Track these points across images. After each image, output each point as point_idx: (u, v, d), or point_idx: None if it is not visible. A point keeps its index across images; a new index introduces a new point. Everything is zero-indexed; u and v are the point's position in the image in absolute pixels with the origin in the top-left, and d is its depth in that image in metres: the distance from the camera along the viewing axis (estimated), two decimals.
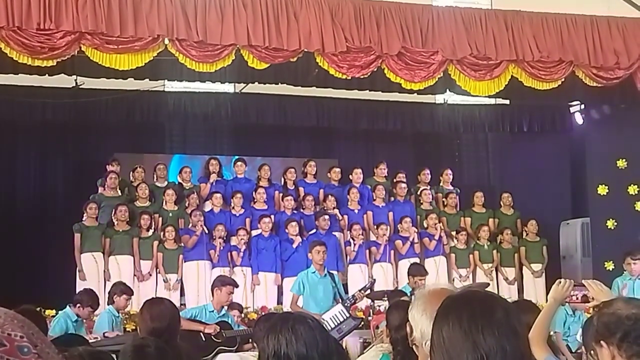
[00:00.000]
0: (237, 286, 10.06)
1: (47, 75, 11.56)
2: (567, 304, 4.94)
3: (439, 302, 2.54)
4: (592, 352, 3.42)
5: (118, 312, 9.93)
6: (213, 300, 9.55)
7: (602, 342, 3.33)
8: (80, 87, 13.19)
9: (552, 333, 5.49)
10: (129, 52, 10.84)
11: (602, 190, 14.18)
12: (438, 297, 2.83)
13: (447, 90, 13.51)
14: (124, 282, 10.74)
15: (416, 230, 13.54)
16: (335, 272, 11.41)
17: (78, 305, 9.38)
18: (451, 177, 15.13)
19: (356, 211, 13.91)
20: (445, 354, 2.22)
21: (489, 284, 12.75)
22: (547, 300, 4.50)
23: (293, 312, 9.01)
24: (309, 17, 11.47)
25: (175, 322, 4.99)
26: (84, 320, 9.71)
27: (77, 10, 10.40)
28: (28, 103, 13.61)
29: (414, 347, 3.18)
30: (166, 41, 11.04)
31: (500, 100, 15.51)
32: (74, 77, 12.71)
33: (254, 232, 13.19)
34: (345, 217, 13.81)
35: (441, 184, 15.10)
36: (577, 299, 4.28)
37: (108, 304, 9.96)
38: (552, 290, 4.44)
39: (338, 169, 14.57)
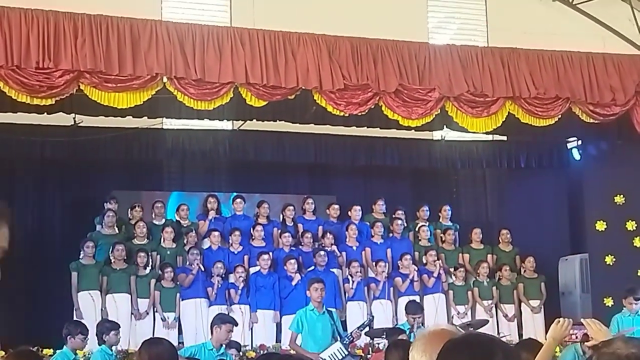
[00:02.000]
0: (236, 324, 10.02)
1: (45, 113, 11.61)
2: (570, 343, 4.95)
3: (440, 343, 2.54)
4: None
5: (111, 350, 9.88)
6: (212, 338, 9.50)
7: None
8: (79, 125, 13.22)
9: None
10: (128, 90, 10.90)
11: (600, 226, 14.18)
12: (438, 338, 2.82)
13: (445, 126, 13.57)
14: (108, 319, 10.76)
15: (416, 268, 13.51)
16: (333, 310, 11.39)
17: (69, 337, 9.38)
18: (449, 213, 15.13)
19: (354, 248, 13.89)
20: None
21: (487, 321, 12.71)
22: (546, 339, 4.50)
23: (291, 353, 8.98)
24: (306, 55, 11.54)
25: None
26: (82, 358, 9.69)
27: (75, 49, 10.48)
28: (27, 141, 13.61)
29: None
30: (164, 79, 11.10)
31: (497, 137, 15.56)
32: (73, 115, 12.74)
33: (253, 270, 13.15)
34: (344, 253, 13.78)
35: (440, 220, 15.10)
36: (576, 337, 4.27)
37: (99, 344, 9.87)
38: (551, 329, 4.43)
39: (337, 206, 14.56)
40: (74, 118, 13.02)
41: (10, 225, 2.28)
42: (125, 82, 10.82)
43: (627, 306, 11.46)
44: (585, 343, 4.30)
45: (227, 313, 11.76)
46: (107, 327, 9.95)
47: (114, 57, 10.66)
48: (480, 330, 10.67)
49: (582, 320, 4.25)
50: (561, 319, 4.39)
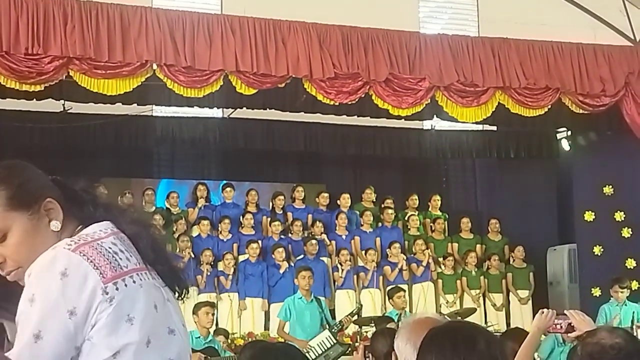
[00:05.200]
0: (212, 305, 10.08)
1: (34, 99, 11.56)
2: (550, 333, 5.00)
3: (423, 332, 2.55)
4: None
5: None
6: (197, 326, 9.53)
7: None
8: (68, 111, 13.17)
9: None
10: (117, 77, 10.87)
11: (589, 216, 14.23)
12: (422, 327, 2.84)
13: (435, 116, 13.57)
14: None
15: (405, 257, 13.54)
16: (322, 298, 11.41)
17: None
18: (439, 202, 15.16)
19: (344, 237, 13.91)
20: None
21: (475, 310, 12.76)
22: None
23: (276, 342, 8.99)
24: (297, 43, 11.53)
25: None
26: None
27: (65, 36, 10.44)
28: (15, 127, 13.53)
29: None
30: (154, 66, 11.08)
31: (487, 127, 15.56)
32: (62, 101, 12.70)
33: (241, 258, 13.16)
34: (333, 242, 13.80)
35: (429, 209, 15.14)
36: (560, 327, 4.28)
37: None
38: (535, 319, 4.48)
39: (326, 194, 14.59)
40: (63, 104, 12.97)
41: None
42: (115, 68, 10.80)
43: (613, 295, 11.54)
44: (569, 334, 4.32)
45: (215, 301, 11.80)
46: None
47: (103, 44, 10.63)
48: (468, 319, 10.71)
49: (565, 311, 4.29)
50: (545, 310, 4.43)
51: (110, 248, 1.99)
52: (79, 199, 2.18)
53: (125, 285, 1.92)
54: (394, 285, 12.47)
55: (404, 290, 11.75)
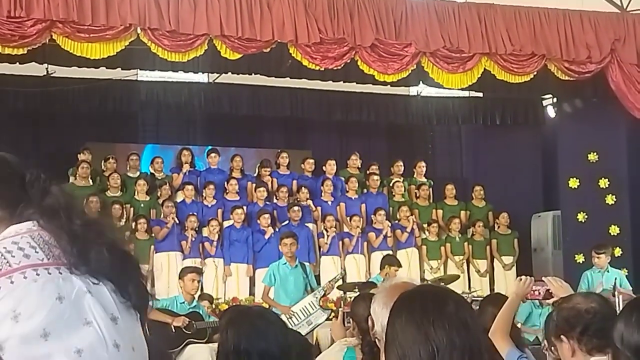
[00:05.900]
0: (199, 272, 10.09)
1: (17, 63, 11.46)
2: (529, 300, 5.10)
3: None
4: (552, 347, 3.46)
5: None
6: (182, 291, 9.56)
7: (562, 336, 3.37)
8: (52, 75, 13.08)
9: (518, 325, 5.58)
10: (101, 40, 10.79)
11: (574, 183, 14.26)
12: (398, 291, 2.83)
13: (421, 82, 13.55)
14: None
15: (389, 224, 13.55)
16: (307, 263, 11.43)
17: None
18: (424, 169, 15.18)
19: (329, 203, 13.91)
20: (399, 347, 2.24)
21: (459, 276, 12.82)
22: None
23: (253, 306, 9.03)
24: (282, 7, 11.45)
25: None
26: None
27: None
28: None
29: (376, 340, 3.19)
30: (138, 30, 10.98)
31: (473, 93, 15.57)
32: (45, 65, 12.60)
33: (226, 223, 13.16)
34: (319, 208, 13.80)
35: (414, 175, 15.15)
36: (539, 294, 4.32)
37: None
38: (514, 285, 4.51)
39: (312, 160, 14.57)
40: (47, 68, 12.89)
41: None
42: (98, 32, 10.70)
43: (593, 261, 11.65)
44: (547, 301, 4.37)
45: (200, 267, 11.81)
46: None
47: (86, 7, 10.52)
48: (452, 285, 10.76)
49: (543, 278, 4.32)
50: (523, 277, 4.47)
51: (4, 248, 1.96)
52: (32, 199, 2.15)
53: (12, 282, 1.89)
54: (391, 255, 12.47)
55: (400, 265, 11.72)
